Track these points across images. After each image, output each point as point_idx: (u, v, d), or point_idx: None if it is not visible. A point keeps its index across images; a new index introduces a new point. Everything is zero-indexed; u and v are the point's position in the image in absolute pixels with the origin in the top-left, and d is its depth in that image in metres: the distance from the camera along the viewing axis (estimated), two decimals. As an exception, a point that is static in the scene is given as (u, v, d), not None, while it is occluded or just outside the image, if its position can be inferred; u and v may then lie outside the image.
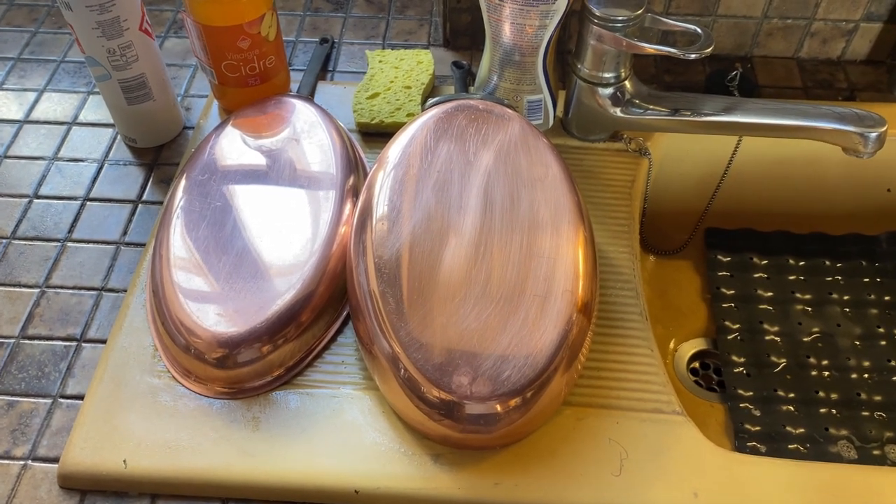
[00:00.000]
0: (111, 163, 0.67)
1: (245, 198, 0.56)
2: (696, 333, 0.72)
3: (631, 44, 0.56)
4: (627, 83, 0.61)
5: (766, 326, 0.70)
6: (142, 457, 0.48)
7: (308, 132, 0.61)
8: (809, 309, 0.71)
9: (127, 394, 0.51)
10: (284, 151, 0.60)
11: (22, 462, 0.49)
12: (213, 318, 0.50)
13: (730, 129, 0.59)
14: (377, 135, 0.66)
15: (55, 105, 0.72)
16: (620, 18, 0.57)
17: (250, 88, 0.65)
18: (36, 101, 0.72)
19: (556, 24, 0.57)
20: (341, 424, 0.49)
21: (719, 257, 0.75)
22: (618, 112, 0.61)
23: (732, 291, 0.72)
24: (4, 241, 0.61)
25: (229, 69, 0.64)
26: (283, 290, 0.52)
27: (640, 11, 0.57)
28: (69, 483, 0.48)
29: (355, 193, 0.58)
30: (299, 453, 0.48)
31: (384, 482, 0.47)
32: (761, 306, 0.72)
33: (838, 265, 0.74)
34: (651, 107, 0.62)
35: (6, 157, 0.67)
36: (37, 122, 0.70)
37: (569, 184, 0.53)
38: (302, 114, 0.62)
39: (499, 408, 0.45)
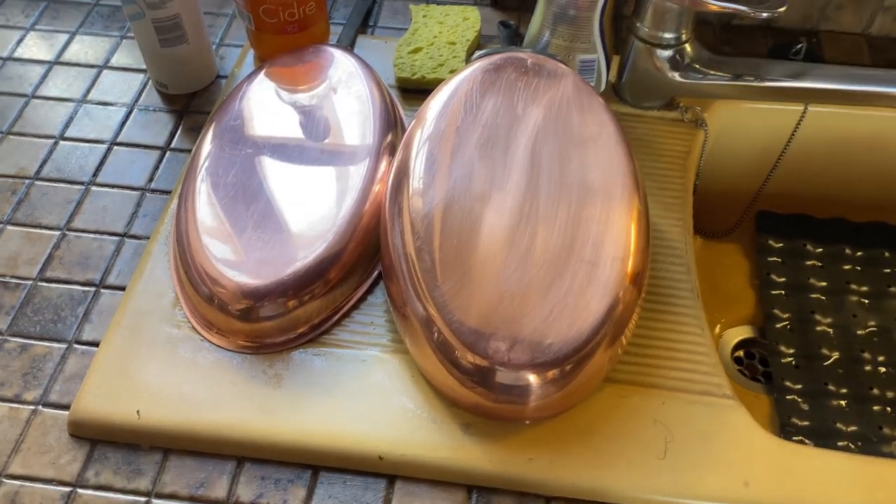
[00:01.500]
0: (141, 108, 0.64)
1: (275, 149, 0.54)
2: (742, 321, 0.68)
3: (702, 2, 0.52)
4: (688, 46, 0.58)
5: (817, 317, 0.66)
6: (156, 408, 0.45)
7: (346, 84, 0.58)
8: (866, 301, 0.67)
9: (144, 343, 0.48)
10: (320, 103, 0.56)
11: (32, 407, 0.47)
12: (238, 269, 0.48)
13: (796, 97, 0.55)
14: (417, 91, 0.63)
15: (87, 48, 0.69)
16: (687, -27, 0.53)
17: (288, 36, 0.62)
18: (67, 44, 0.70)
19: (617, -24, 0.54)
20: (367, 387, 0.46)
21: (770, 242, 0.70)
22: (676, 76, 0.58)
23: (783, 279, 0.68)
24: (28, 181, 0.59)
25: (267, 14, 0.61)
26: (313, 245, 0.49)
27: (708, -34, 0.53)
28: (79, 431, 0.46)
29: (392, 151, 0.54)
30: (322, 415, 0.45)
31: (410, 449, 0.44)
32: (813, 296, 0.67)
33: (899, 257, 0.69)
34: (712, 72, 0.58)
35: (34, 97, 0.65)
36: (67, 63, 0.68)
37: (624, 147, 0.49)
38: (341, 64, 0.59)
39: (536, 378, 0.42)
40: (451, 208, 0.46)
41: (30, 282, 0.53)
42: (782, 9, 0.51)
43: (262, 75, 0.59)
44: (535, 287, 0.44)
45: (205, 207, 0.51)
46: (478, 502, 0.43)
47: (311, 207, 0.51)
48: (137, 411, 0.45)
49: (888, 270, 0.69)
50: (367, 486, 0.44)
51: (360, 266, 0.51)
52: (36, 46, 0.69)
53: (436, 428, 0.45)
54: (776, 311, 0.67)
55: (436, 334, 0.43)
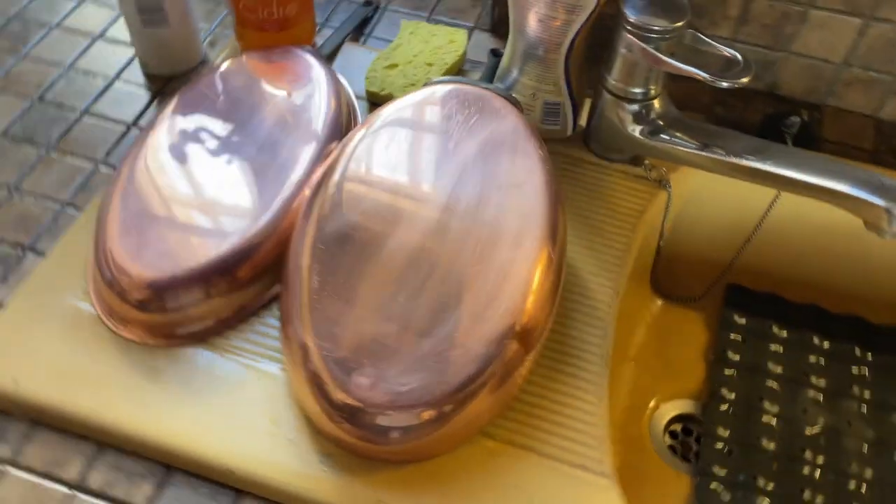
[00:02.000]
0: (121, 82, 0.66)
1: (217, 141, 0.54)
2: (685, 394, 0.65)
3: (658, 58, 0.50)
4: (656, 103, 0.55)
5: (765, 405, 0.62)
6: (34, 380, 0.46)
7: (306, 89, 0.57)
8: (821, 398, 0.62)
9: (44, 314, 0.49)
10: (275, 102, 0.56)
11: (-72, 356, 0.48)
12: (142, 258, 0.48)
13: (765, 179, 0.51)
14: (384, 107, 0.62)
15: (89, 16, 0.71)
16: (656, 29, 0.50)
17: (268, 34, 0.62)
18: (72, 10, 0.72)
19: (581, 21, 0.52)
20: (240, 398, 0.46)
21: (735, 318, 0.67)
22: (636, 132, 0.55)
23: (739, 357, 0.65)
24: (-6, 137, 0.61)
25: (248, 9, 0.61)
26: (225, 240, 0.49)
27: (679, 24, 0.50)
28: (-39, 388, 0.47)
29: (336, 161, 0.54)
30: (187, 417, 0.45)
31: (262, 469, 0.43)
32: (767, 382, 0.64)
33: (869, 356, 0.65)
34: (678, 135, 0.55)
35: (26, 57, 0.67)
36: (66, 29, 0.70)
37: (548, 198, 0.47)
38: (308, 70, 0.59)
39: (394, 421, 0.41)
40: (356, 230, 0.46)
41: (-36, 234, 0.55)
42: (745, 80, 0.48)
43: (227, 67, 0.59)
44: (414, 328, 0.43)
45: (131, 186, 0.51)
46: (318, 534, 0.42)
47: (238, 202, 0.50)
48: (15, 379, 0.46)
49: (855, 369, 0.64)
50: (214, 496, 0.43)
51: (273, 270, 0.51)
52: (44, 9, 0.72)
53: (294, 452, 0.44)
54: (723, 391, 0.63)
55: (307, 356, 0.43)
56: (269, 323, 0.50)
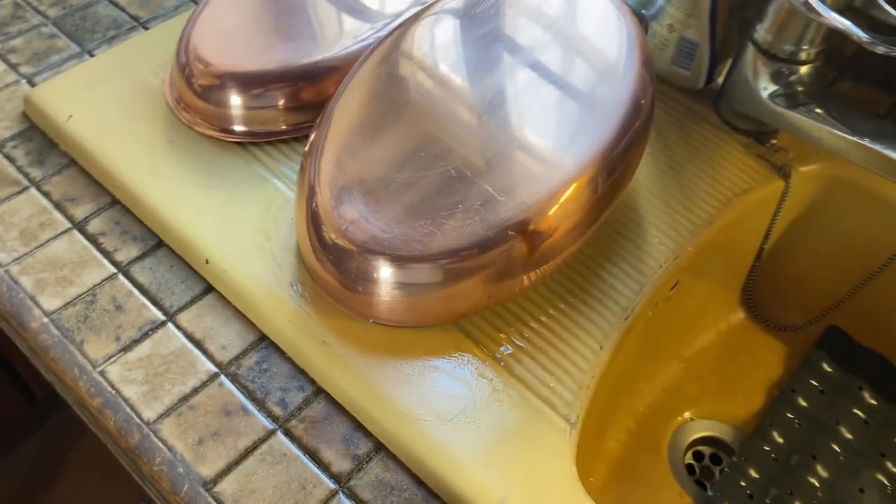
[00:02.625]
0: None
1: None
2: (728, 418, 0.56)
3: (814, 7, 0.42)
4: (805, 69, 0.47)
5: (818, 466, 0.53)
6: (84, 122, 0.48)
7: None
8: (890, 487, 0.52)
9: (123, 74, 0.51)
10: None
11: (18, 77, 0.52)
12: (221, 47, 0.48)
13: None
14: None
15: None
16: (828, -24, 0.43)
17: None
18: None
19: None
20: (249, 203, 0.45)
21: (823, 364, 0.57)
22: (767, 93, 0.47)
23: (809, 406, 0.55)
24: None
25: None
26: (301, 55, 0.48)
27: (857, -24, 0.42)
28: (28, 110, 0.49)
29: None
30: (195, 201, 0.45)
31: (235, 270, 0.42)
32: (832, 444, 0.54)
33: (970, 466, 0.53)
34: (819, 111, 0.47)
35: None
36: None
37: (628, 118, 0.41)
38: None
39: (364, 265, 0.38)
40: (406, 80, 0.43)
41: (98, -3, 0.58)
42: (907, 51, 0.39)
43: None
44: (423, 186, 0.39)
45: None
46: (258, 352, 0.41)
47: (324, 29, 0.49)
48: (69, 115, 0.48)
49: (945, 473, 0.53)
50: (185, 279, 0.43)
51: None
52: None
53: (271, 269, 0.42)
54: (773, 432, 0.54)
55: (312, 186, 0.41)
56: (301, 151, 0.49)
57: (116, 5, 0.57)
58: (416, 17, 0.46)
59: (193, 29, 0.50)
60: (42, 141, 0.48)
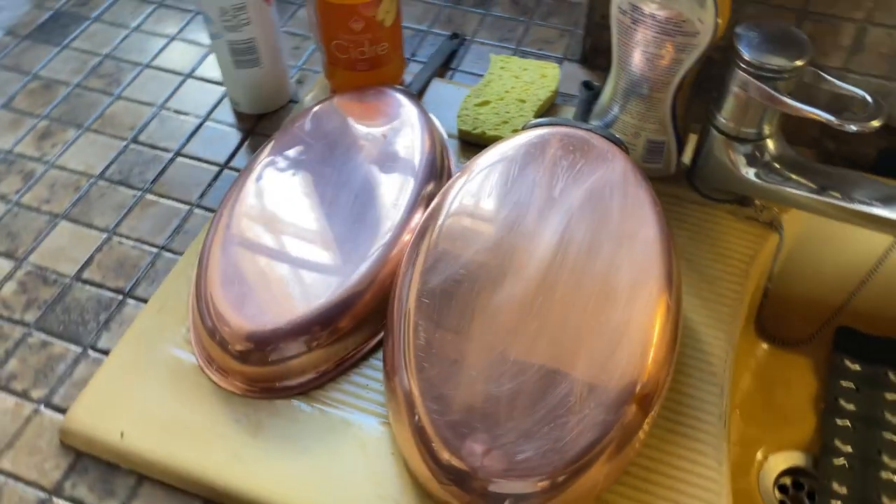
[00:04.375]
0: (212, 121, 0.66)
1: (316, 185, 0.53)
2: (795, 445, 0.61)
3: (779, 99, 0.47)
4: (770, 142, 0.52)
5: (885, 459, 0.58)
6: (139, 433, 0.46)
7: (400, 129, 0.56)
8: (946, 453, 0.58)
9: (148, 363, 0.49)
10: (369, 144, 0.55)
11: (35, 406, 0.49)
12: (244, 308, 0.47)
13: (884, 226, 0.48)
14: (477, 145, 0.60)
15: (178, 55, 0.72)
16: (773, 67, 0.48)
17: (359, 73, 0.62)
18: (162, 49, 0.72)
19: (693, 60, 0.49)
20: (343, 455, 0.45)
21: (846, 363, 0.63)
22: (750, 174, 0.52)
23: (853, 407, 0.61)
24: (91, 179, 0.62)
25: (339, 49, 0.60)
26: (326, 290, 0.48)
27: (800, 63, 0.47)
28: (68, 440, 0.47)
29: (430, 202, 0.53)
30: (288, 474, 0.44)
31: (368, 532, 0.42)
32: (885, 434, 0.59)
33: None
34: (794, 177, 0.52)
35: (119, 97, 0.68)
36: (157, 68, 0.71)
37: (663, 248, 0.45)
38: (400, 110, 0.58)
39: (507, 489, 0.39)
40: (462, 283, 0.44)
41: (67, 279, 0.55)
42: (875, 123, 0.45)
43: (320, 109, 0.58)
44: (529, 390, 0.41)
45: (230, 236, 0.51)
46: None
47: (336, 249, 0.50)
48: (121, 433, 0.46)
49: (982, 422, 0.60)
50: (320, 559, 0.42)
51: (373, 319, 0.50)
52: (136, 48, 0.73)
53: (402, 514, 0.42)
54: (837, 443, 0.59)
55: (416, 417, 0.41)
56: (367, 374, 0.49)
57: (93, 283, 0.55)
58: (432, 217, 0.48)
59: (209, 292, 0.48)
60: (101, 468, 0.46)
